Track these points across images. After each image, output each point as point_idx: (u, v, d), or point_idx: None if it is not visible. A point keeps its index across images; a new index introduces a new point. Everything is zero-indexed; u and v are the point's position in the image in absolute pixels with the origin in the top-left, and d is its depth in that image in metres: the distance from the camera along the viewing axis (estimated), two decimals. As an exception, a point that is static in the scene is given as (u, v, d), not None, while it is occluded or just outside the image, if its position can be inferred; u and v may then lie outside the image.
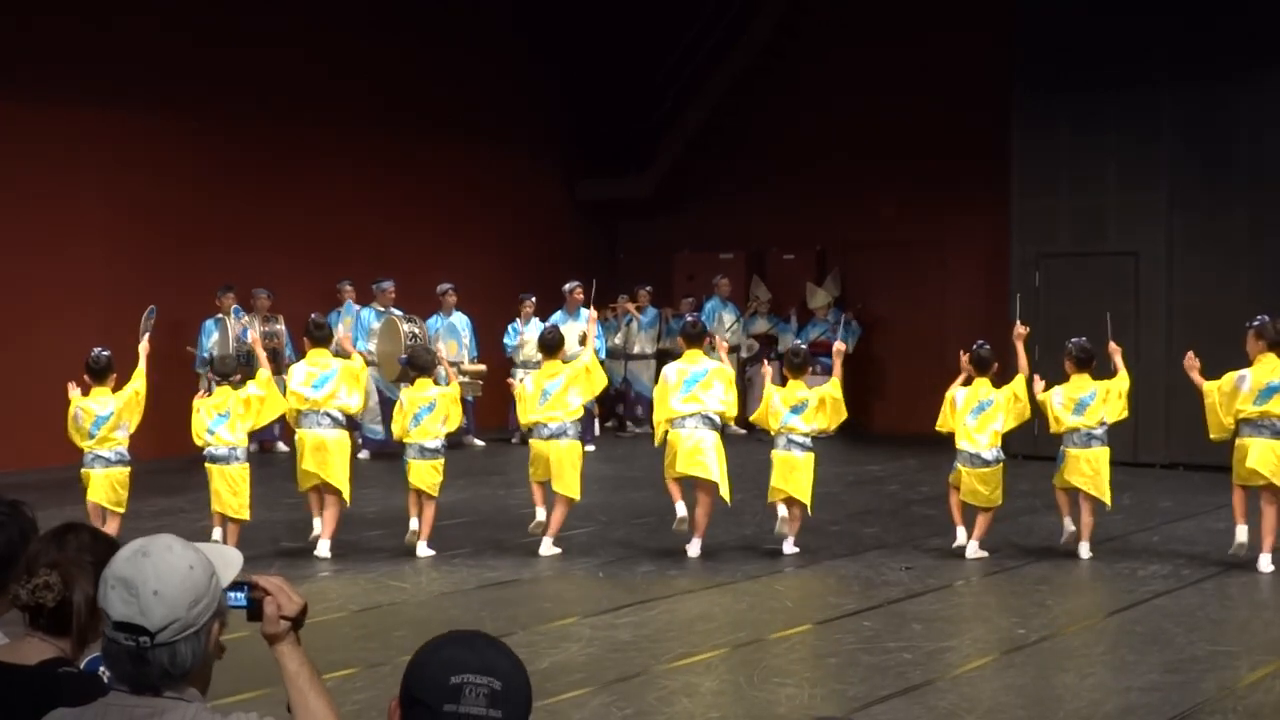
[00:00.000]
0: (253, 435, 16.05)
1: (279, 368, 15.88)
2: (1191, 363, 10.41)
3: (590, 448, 16.88)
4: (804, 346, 12.22)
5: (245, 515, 10.36)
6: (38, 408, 14.95)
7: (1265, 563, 9.96)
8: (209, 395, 10.68)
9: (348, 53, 17.95)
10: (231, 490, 10.24)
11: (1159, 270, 15.46)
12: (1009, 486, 13.60)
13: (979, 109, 17.67)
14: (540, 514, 10.90)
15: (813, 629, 8.50)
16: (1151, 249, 15.53)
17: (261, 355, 11.18)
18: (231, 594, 2.82)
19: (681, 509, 10.66)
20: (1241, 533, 10.07)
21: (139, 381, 10.31)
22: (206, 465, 10.41)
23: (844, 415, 10.97)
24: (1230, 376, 10.11)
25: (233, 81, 16.82)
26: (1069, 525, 10.65)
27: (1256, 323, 10.20)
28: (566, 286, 17.11)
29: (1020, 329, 11.21)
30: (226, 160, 16.86)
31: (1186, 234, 15.38)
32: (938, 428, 10.87)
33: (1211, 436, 10.32)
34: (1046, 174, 16.12)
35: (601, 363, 16.88)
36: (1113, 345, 10.85)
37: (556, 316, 16.39)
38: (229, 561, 2.84)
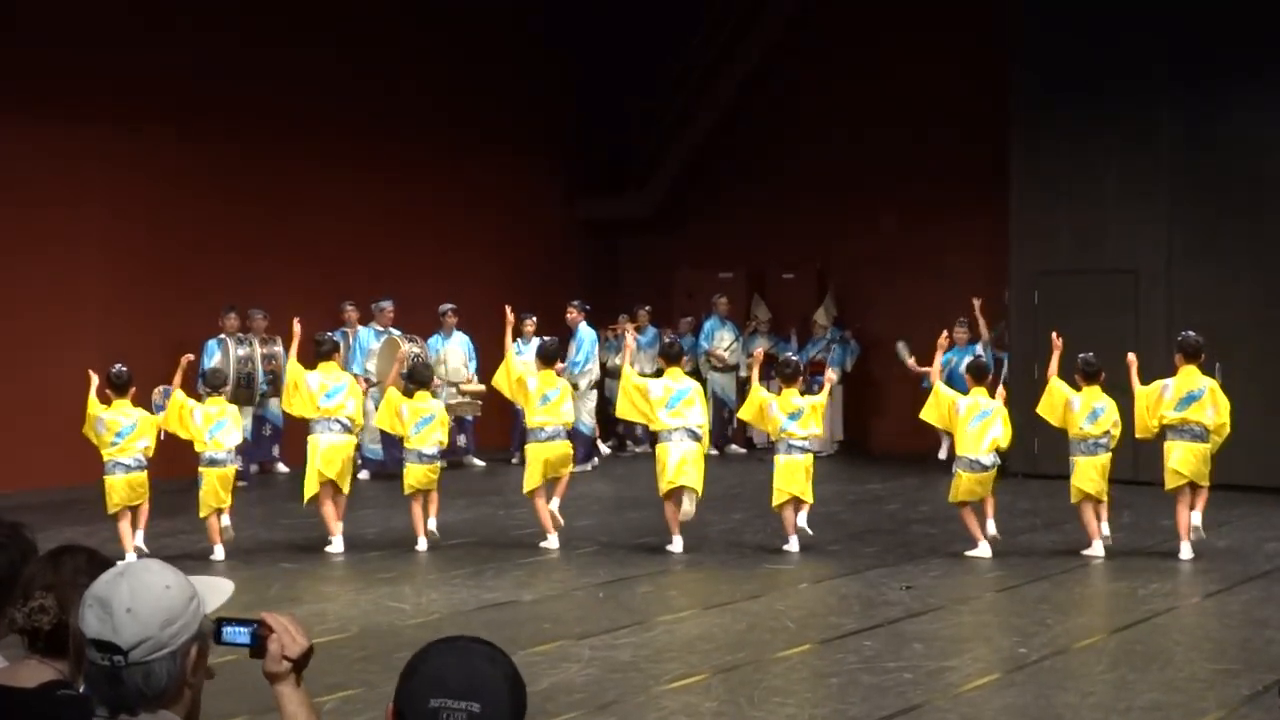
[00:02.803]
0: (253, 455, 16.19)
1: (276, 390, 15.91)
2: (1131, 361, 11.36)
3: (585, 466, 16.97)
4: (795, 358, 13.04)
5: (229, 503, 11.46)
6: (38, 429, 14.96)
7: (1186, 550, 11.04)
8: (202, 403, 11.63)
9: (349, 72, 17.99)
10: (225, 489, 11.34)
11: (1158, 287, 15.46)
12: (1009, 504, 13.70)
13: (977, 126, 17.70)
14: (553, 541, 11.80)
15: (813, 649, 8.48)
16: (1151, 266, 15.53)
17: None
18: (237, 629, 2.82)
19: (678, 544, 11.53)
20: (1186, 549, 11.05)
21: (157, 416, 11.49)
22: (203, 470, 11.31)
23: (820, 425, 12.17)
24: (1156, 384, 11.15)
25: (235, 101, 16.85)
26: (1098, 548, 11.24)
27: (1181, 337, 11.29)
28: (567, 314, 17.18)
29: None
30: (228, 180, 16.88)
31: (1186, 251, 15.38)
32: (922, 415, 11.79)
33: (1136, 435, 11.42)
34: (1045, 191, 16.13)
35: (575, 384, 17.00)
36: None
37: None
38: (219, 590, 2.85)
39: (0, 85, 14.99)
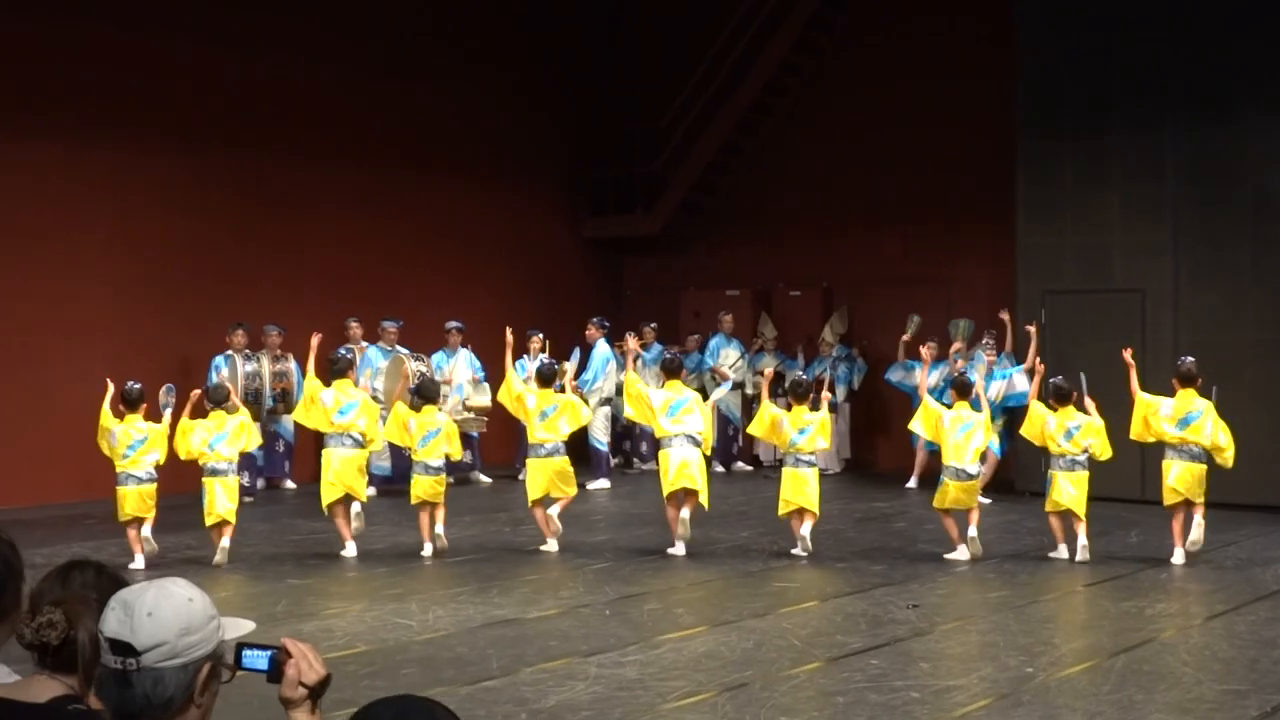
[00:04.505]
0: (263, 471, 16.23)
1: (288, 406, 15.96)
2: (1130, 363, 12.05)
3: (606, 483, 17.00)
4: (806, 378, 13.54)
5: (234, 519, 11.86)
6: (45, 445, 15.00)
7: (1178, 555, 11.69)
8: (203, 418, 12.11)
9: (356, 95, 18.08)
10: (231, 499, 11.76)
11: (1165, 307, 15.45)
12: (1017, 524, 13.71)
13: (984, 146, 17.74)
14: (552, 545, 12.42)
15: (820, 667, 8.48)
16: (1157, 286, 15.52)
17: (238, 403, 12.62)
18: (256, 654, 2.85)
19: (680, 548, 12.21)
20: (1179, 555, 11.72)
21: (163, 425, 11.90)
22: (205, 480, 11.75)
23: (829, 438, 13.00)
24: (1158, 398, 11.83)
25: (242, 121, 16.94)
26: (1062, 549, 12.00)
27: (1179, 364, 12.04)
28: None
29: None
30: (235, 200, 16.95)
31: (1192, 271, 15.37)
32: (910, 426, 13.00)
33: (1131, 435, 12.03)
34: (1051, 211, 16.13)
35: (585, 399, 17.08)
36: (1088, 401, 12.14)
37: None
38: (239, 626, 2.90)
39: (8, 109, 15.07)
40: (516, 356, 17.38)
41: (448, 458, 12.54)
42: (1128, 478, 14.54)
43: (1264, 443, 14.32)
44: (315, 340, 12.93)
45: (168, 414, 12.08)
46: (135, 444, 11.60)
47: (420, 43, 18.86)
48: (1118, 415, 12.28)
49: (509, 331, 13.15)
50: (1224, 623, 9.70)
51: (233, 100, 16.87)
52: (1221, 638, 9.28)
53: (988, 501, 15.48)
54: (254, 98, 17.06)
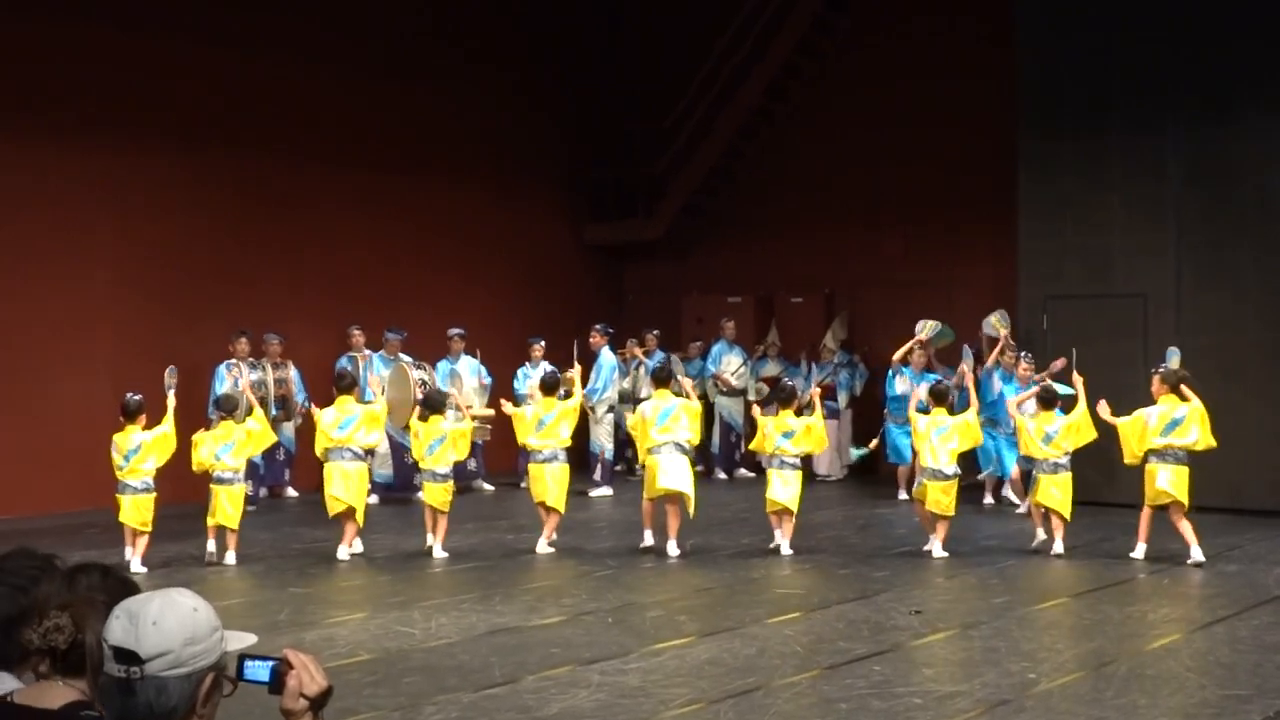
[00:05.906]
0: (264, 479, 16.19)
1: (288, 413, 15.92)
2: (1104, 408, 12.21)
3: (608, 490, 16.97)
4: (791, 383, 13.98)
5: (237, 525, 12.14)
6: (51, 454, 14.96)
7: (1197, 554, 11.76)
8: (211, 429, 12.34)
9: (356, 95, 18.06)
10: (234, 506, 12.05)
11: (1167, 311, 15.42)
12: (1019, 530, 13.69)
13: (984, 146, 17.73)
14: (546, 546, 12.74)
15: (822, 674, 8.46)
16: (1159, 290, 15.49)
17: (254, 400, 13.19)
18: (258, 665, 2.84)
19: (649, 538, 12.58)
20: (1140, 549, 12.00)
21: (168, 425, 11.97)
22: (213, 487, 12.05)
23: (824, 444, 13.48)
24: (1140, 414, 12.00)
25: (242, 121, 16.91)
26: (1040, 534, 12.60)
27: (1160, 369, 12.21)
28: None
29: (968, 373, 14.23)
30: (235, 200, 16.92)
31: (1194, 275, 15.35)
32: (915, 446, 13.11)
33: (1126, 462, 12.27)
34: (1052, 215, 16.09)
35: (593, 409, 17.06)
36: (1076, 376, 12.70)
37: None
38: (241, 639, 2.90)
39: (8, 109, 15.04)
40: (517, 364, 17.41)
41: (455, 464, 12.85)
42: (1130, 483, 14.50)
43: (1266, 445, 14.31)
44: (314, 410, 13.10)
45: (172, 394, 12.29)
46: (130, 453, 11.76)
47: (420, 43, 18.84)
48: (1120, 416, 12.31)
49: (515, 417, 13.25)
50: (1227, 628, 9.69)
51: (233, 100, 16.84)
52: (1224, 643, 9.27)
53: (991, 502, 15.56)
54: (254, 98, 17.03)
